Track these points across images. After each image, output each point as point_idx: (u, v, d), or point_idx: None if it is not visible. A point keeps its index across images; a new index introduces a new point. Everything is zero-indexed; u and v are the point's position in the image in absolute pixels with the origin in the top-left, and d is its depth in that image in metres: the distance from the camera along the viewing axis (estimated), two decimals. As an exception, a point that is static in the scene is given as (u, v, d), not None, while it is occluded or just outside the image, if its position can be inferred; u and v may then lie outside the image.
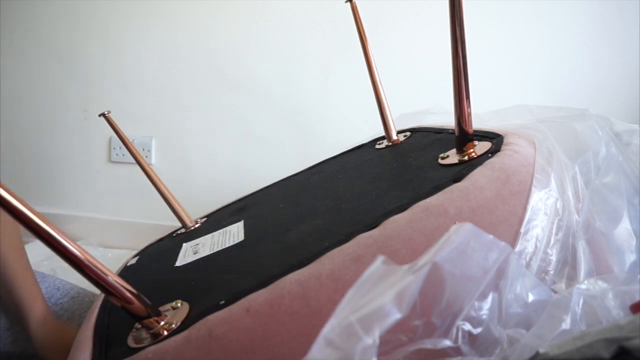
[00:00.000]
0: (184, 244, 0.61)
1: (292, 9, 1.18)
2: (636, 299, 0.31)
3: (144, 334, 0.38)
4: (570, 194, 0.43)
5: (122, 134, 0.67)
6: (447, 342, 0.29)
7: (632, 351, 0.23)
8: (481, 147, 0.47)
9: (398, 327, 0.24)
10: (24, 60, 1.37)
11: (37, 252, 0.89)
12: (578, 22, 1.06)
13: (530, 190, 0.41)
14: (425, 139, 0.62)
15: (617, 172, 0.48)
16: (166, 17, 1.26)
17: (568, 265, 0.40)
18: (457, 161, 0.47)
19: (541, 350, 0.26)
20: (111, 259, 1.25)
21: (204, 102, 1.28)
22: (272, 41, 1.21)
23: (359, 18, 0.70)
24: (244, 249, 0.51)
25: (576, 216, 0.42)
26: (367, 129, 0.85)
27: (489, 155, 0.45)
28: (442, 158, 0.49)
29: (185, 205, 0.71)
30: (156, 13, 1.26)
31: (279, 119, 1.23)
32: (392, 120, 0.70)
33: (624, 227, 0.46)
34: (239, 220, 0.61)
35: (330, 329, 0.24)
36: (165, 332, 0.37)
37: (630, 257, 0.45)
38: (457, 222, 0.36)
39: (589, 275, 0.39)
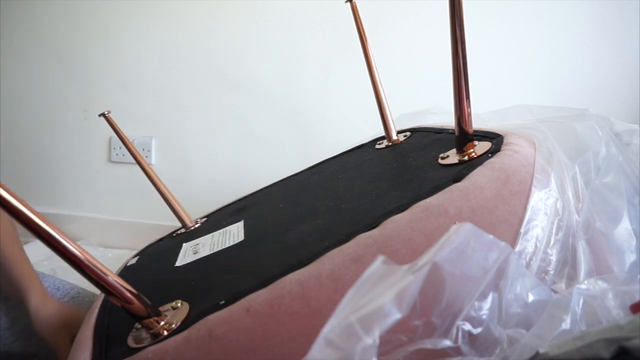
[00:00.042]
0: (184, 244, 0.61)
1: (292, 9, 1.18)
2: (636, 299, 0.31)
3: (144, 334, 0.38)
4: (570, 194, 0.43)
5: (122, 134, 0.67)
6: (447, 342, 0.29)
7: (632, 351, 0.23)
8: (481, 147, 0.47)
9: (398, 327, 0.24)
10: (24, 60, 1.37)
11: (37, 252, 0.89)
12: (578, 22, 1.06)
13: (530, 190, 0.41)
14: (425, 139, 0.62)
15: (617, 172, 0.48)
16: (166, 17, 1.26)
17: (568, 265, 0.40)
18: (457, 161, 0.47)
19: (541, 350, 0.26)
20: (111, 259, 1.25)
21: (204, 102, 1.28)
22: (272, 41, 1.21)
23: (359, 18, 0.70)
24: (244, 249, 0.51)
25: (576, 216, 0.42)
26: (367, 129, 0.85)
27: (489, 155, 0.45)
28: (442, 158, 0.49)
29: (185, 205, 0.71)
30: (156, 13, 1.26)
31: (279, 119, 1.23)
32: (392, 120, 0.70)
33: (624, 227, 0.46)
34: (239, 220, 0.61)
35: (330, 329, 0.24)
36: (165, 332, 0.37)
37: (630, 257, 0.45)
38: (457, 222, 0.36)
39: (589, 275, 0.39)
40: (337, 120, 1.20)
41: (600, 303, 0.32)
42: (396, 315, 0.24)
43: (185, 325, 0.37)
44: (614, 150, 0.50)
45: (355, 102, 1.17)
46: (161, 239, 0.73)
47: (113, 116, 0.65)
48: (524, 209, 0.40)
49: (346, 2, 0.70)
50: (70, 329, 0.64)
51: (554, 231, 0.40)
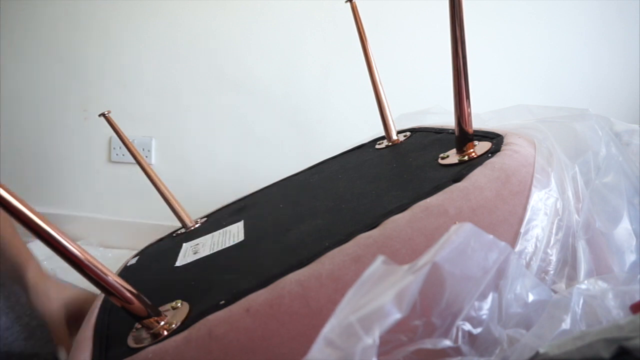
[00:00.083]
0: (184, 244, 0.61)
1: (292, 9, 1.18)
2: (636, 299, 0.31)
3: (144, 334, 0.38)
4: (570, 194, 0.43)
5: (122, 134, 0.67)
6: (447, 342, 0.29)
7: (632, 351, 0.23)
8: (481, 147, 0.47)
9: (398, 327, 0.24)
10: (24, 60, 1.37)
11: (37, 252, 0.89)
12: (578, 22, 1.06)
13: (530, 190, 0.41)
14: (425, 139, 0.62)
15: (617, 172, 0.48)
16: (166, 17, 1.26)
17: (568, 265, 0.40)
18: (457, 161, 0.47)
19: (541, 350, 0.26)
20: (111, 259, 1.25)
21: (204, 102, 1.28)
22: (272, 41, 1.21)
23: (359, 18, 0.70)
24: (244, 249, 0.51)
25: (576, 216, 0.42)
26: (367, 129, 0.84)
27: (489, 155, 0.45)
28: (442, 158, 0.49)
29: (185, 205, 0.71)
30: (156, 13, 1.26)
31: (279, 119, 1.23)
32: (392, 120, 0.70)
33: (624, 227, 0.46)
34: (239, 220, 0.61)
35: (330, 329, 0.24)
36: (165, 332, 0.37)
37: (630, 257, 0.45)
38: (457, 222, 0.36)
39: (589, 275, 0.39)
40: (337, 120, 1.20)
41: (600, 303, 0.32)
42: (396, 315, 0.24)
43: (185, 325, 0.37)
44: (614, 150, 0.50)
45: (355, 102, 1.17)
46: (161, 239, 0.73)
47: (113, 116, 0.65)
48: (524, 209, 0.40)
49: (346, 2, 0.70)
50: (68, 307, 0.63)
51: (554, 231, 0.40)
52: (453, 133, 0.50)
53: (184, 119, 1.30)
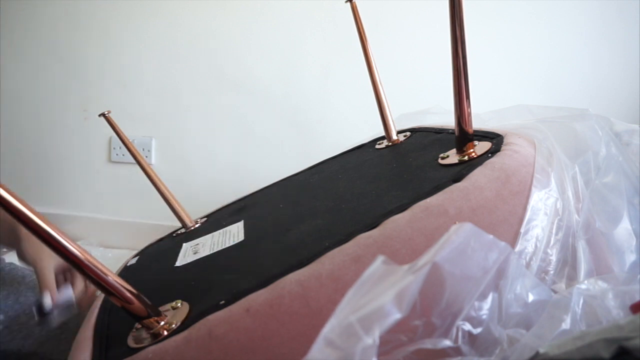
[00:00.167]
0: (184, 244, 0.61)
1: (292, 9, 1.18)
2: (636, 299, 0.31)
3: (144, 334, 0.38)
4: (570, 194, 0.43)
5: (122, 134, 0.67)
6: (447, 342, 0.29)
7: (632, 351, 0.23)
8: (481, 147, 0.47)
9: (398, 327, 0.24)
10: (24, 60, 1.37)
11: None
12: (578, 22, 1.06)
13: (530, 190, 0.41)
14: (425, 139, 0.62)
15: (617, 172, 0.48)
16: (166, 17, 1.26)
17: (568, 265, 0.40)
18: (457, 161, 0.47)
19: (541, 350, 0.26)
20: (111, 259, 1.25)
21: (204, 102, 1.28)
22: (272, 41, 1.21)
23: (359, 18, 0.70)
24: (244, 249, 0.51)
25: (576, 216, 0.42)
26: (367, 129, 0.84)
27: (489, 155, 0.45)
28: (442, 158, 0.49)
29: (185, 205, 0.71)
30: (156, 13, 1.26)
31: (279, 119, 1.23)
32: (392, 120, 0.70)
33: (624, 227, 0.46)
34: (239, 220, 0.61)
35: (330, 329, 0.24)
36: (165, 332, 0.37)
37: (630, 257, 0.45)
38: (457, 222, 0.36)
39: (589, 275, 0.39)
40: (337, 120, 1.20)
41: (600, 303, 0.32)
42: (396, 315, 0.24)
43: (185, 325, 0.37)
44: (614, 150, 0.50)
45: (355, 102, 1.17)
46: (161, 239, 0.73)
47: (113, 116, 0.65)
48: (524, 209, 0.40)
49: (346, 2, 0.70)
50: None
51: (554, 231, 0.40)
52: (453, 133, 0.50)
53: (184, 119, 1.30)
